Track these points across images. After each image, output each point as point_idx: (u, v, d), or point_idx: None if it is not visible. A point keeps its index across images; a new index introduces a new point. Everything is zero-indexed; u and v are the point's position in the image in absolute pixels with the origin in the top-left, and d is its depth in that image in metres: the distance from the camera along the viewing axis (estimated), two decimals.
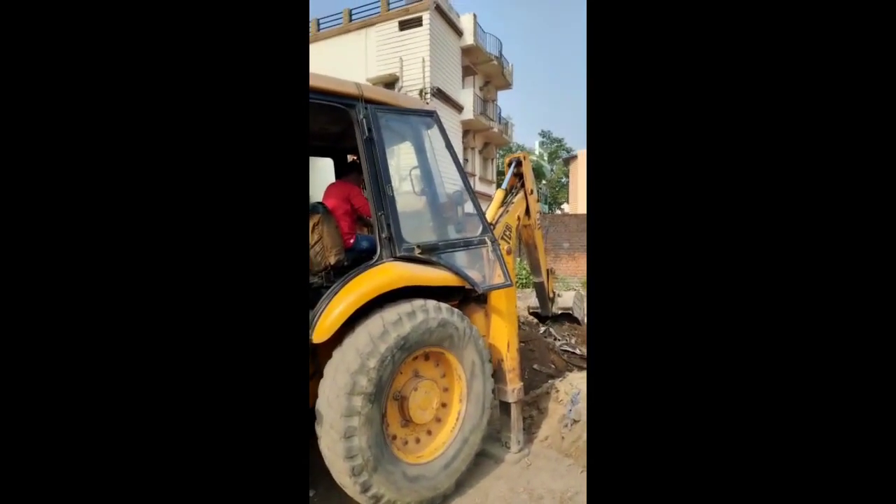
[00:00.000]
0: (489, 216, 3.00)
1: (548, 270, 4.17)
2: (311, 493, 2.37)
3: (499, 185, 3.41)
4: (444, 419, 2.38)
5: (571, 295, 5.02)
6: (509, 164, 3.38)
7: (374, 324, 2.05)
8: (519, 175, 3.31)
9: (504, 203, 3.21)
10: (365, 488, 1.94)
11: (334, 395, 1.92)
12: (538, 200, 3.79)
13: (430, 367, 2.37)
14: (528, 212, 3.32)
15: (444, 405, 2.39)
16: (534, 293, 4.59)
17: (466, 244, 2.60)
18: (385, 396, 2.05)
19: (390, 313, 2.09)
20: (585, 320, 4.94)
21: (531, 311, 4.88)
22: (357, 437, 1.90)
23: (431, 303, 2.25)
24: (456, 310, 2.38)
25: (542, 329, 4.67)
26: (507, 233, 3.03)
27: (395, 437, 2.18)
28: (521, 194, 3.28)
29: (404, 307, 2.14)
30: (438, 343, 2.28)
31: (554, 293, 4.48)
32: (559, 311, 4.78)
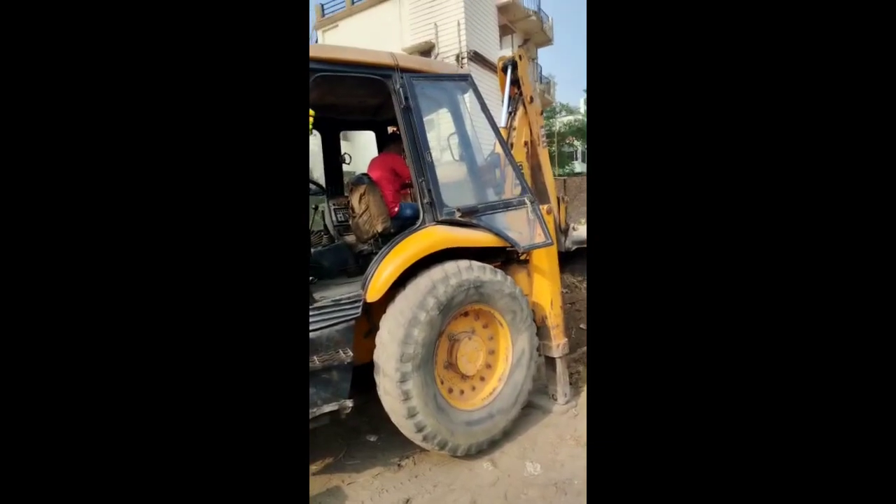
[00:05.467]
0: None
1: (559, 198, 3.43)
2: (373, 438, 2.63)
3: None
4: (478, 390, 2.51)
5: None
6: (504, 70, 2.71)
7: (462, 261, 2.33)
8: (516, 82, 2.73)
9: (508, 133, 2.73)
10: (404, 379, 2.12)
11: (413, 292, 2.21)
12: (540, 113, 3.07)
13: (485, 336, 2.52)
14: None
15: (482, 379, 2.52)
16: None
17: (506, 205, 2.66)
18: (446, 322, 2.28)
19: (476, 263, 2.37)
20: None
21: None
22: (418, 329, 2.13)
23: (510, 277, 2.52)
24: (526, 297, 2.55)
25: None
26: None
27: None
28: (521, 111, 2.74)
29: (487, 266, 2.42)
30: (503, 312, 2.46)
31: (568, 225, 3.64)
32: (573, 247, 3.85)
